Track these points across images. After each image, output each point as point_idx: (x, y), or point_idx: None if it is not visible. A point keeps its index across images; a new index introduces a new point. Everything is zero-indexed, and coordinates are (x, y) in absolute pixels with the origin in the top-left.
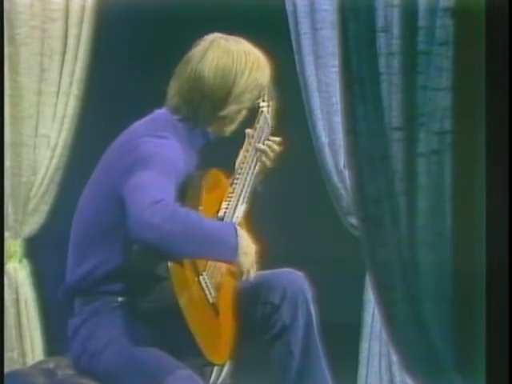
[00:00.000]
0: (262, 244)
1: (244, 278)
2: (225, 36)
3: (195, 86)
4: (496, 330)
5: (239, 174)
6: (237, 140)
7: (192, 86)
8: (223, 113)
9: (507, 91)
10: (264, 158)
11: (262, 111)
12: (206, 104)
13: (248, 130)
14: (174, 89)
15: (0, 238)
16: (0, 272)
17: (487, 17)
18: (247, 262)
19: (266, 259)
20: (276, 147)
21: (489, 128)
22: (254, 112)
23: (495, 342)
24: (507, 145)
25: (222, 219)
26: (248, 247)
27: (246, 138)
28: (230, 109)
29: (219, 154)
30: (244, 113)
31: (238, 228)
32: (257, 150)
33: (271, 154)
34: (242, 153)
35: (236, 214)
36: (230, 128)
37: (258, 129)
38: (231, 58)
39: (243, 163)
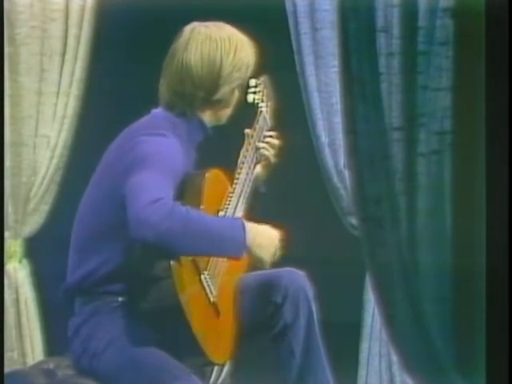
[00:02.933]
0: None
1: (266, 267)
2: (204, 23)
3: (184, 78)
4: (496, 330)
5: (239, 173)
6: (236, 139)
7: (181, 78)
8: (217, 96)
9: (507, 91)
10: (266, 153)
11: (261, 111)
12: (198, 93)
13: (247, 130)
14: (164, 85)
15: (0, 238)
16: (0, 272)
17: (487, 17)
18: (265, 254)
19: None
20: (275, 141)
21: (489, 128)
22: (253, 112)
23: (495, 342)
24: (507, 145)
25: None
26: (261, 238)
27: (246, 138)
28: (223, 91)
29: (219, 153)
30: (236, 95)
31: (246, 222)
32: (257, 148)
33: (271, 150)
34: (241, 153)
35: (236, 214)
36: (226, 113)
37: (257, 129)
38: (214, 43)
39: (243, 163)
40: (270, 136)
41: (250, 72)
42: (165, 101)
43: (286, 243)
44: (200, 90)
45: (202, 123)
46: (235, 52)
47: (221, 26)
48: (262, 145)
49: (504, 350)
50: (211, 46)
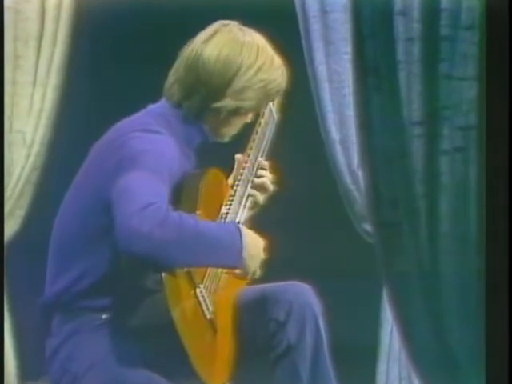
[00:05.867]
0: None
1: (249, 277)
2: (241, 26)
3: (192, 65)
4: (496, 330)
5: (241, 173)
6: (238, 136)
7: (189, 66)
8: (217, 105)
9: None
10: (257, 194)
11: (266, 103)
12: (200, 88)
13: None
14: (172, 70)
15: (0, 237)
16: (0, 271)
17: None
18: (254, 264)
19: (270, 270)
20: (269, 185)
21: None
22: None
23: (495, 342)
24: None
25: None
26: (255, 248)
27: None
28: (226, 102)
29: (219, 151)
30: (244, 118)
31: (242, 227)
32: (262, 146)
33: (265, 192)
34: (245, 151)
35: (238, 219)
36: (228, 131)
37: (262, 123)
38: (239, 47)
39: (246, 162)
40: (263, 169)
41: (272, 101)
42: (166, 85)
43: (266, 267)
44: (202, 86)
45: (199, 126)
46: (259, 70)
47: (255, 36)
48: (254, 188)
49: (504, 350)
50: (235, 49)
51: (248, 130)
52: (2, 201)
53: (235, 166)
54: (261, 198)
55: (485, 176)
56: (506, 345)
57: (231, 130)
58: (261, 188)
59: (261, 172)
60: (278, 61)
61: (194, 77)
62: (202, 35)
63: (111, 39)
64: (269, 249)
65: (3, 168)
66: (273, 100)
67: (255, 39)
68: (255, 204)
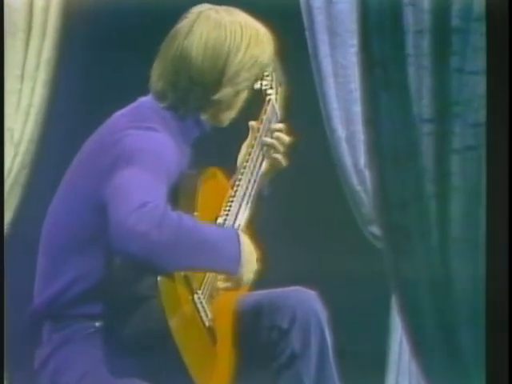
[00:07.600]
0: (267, 257)
1: (240, 285)
2: (215, 7)
3: (182, 68)
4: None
5: (242, 173)
6: (239, 133)
7: (178, 68)
8: (217, 96)
9: None
10: (274, 154)
11: (269, 100)
12: (195, 88)
13: (252, 123)
14: (158, 71)
15: (0, 237)
16: (0, 271)
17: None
18: (246, 271)
19: (272, 275)
20: (285, 137)
21: None
22: (259, 100)
23: (495, 342)
24: None
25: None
26: (250, 254)
27: (250, 132)
28: (225, 92)
29: (218, 149)
30: (243, 97)
31: (241, 233)
32: (263, 144)
33: (281, 147)
34: (245, 149)
35: (237, 222)
36: (229, 115)
37: (264, 120)
38: (223, 32)
39: (247, 161)
40: (279, 130)
41: (264, 73)
42: (155, 89)
43: (266, 272)
44: (197, 85)
45: (197, 120)
46: (247, 47)
47: (234, 12)
48: (269, 140)
49: (504, 350)
50: (219, 35)
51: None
52: (3, 200)
53: (250, 133)
54: (281, 158)
55: (489, 175)
56: (506, 345)
57: (232, 114)
58: (278, 144)
59: (276, 134)
60: (263, 31)
61: (186, 79)
62: (181, 29)
63: (102, 31)
64: (270, 252)
65: (3, 167)
66: (266, 70)
67: (235, 16)
68: (277, 165)
